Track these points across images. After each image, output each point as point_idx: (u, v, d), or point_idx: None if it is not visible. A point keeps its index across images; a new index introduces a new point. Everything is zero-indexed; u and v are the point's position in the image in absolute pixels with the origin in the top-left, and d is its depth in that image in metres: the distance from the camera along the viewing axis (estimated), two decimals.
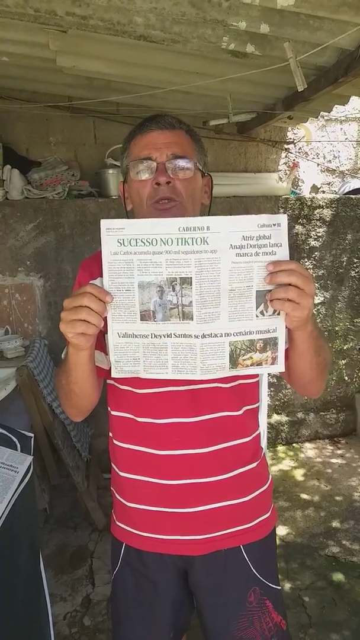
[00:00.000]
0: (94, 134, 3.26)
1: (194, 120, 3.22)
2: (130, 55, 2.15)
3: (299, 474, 3.27)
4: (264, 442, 2.66)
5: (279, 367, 0.94)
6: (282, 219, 0.87)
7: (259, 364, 0.93)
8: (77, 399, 1.08)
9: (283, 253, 0.87)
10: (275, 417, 3.63)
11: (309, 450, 3.60)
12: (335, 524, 2.76)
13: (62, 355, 1.08)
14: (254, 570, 1.17)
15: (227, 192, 3.21)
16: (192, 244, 0.86)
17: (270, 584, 1.19)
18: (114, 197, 3.07)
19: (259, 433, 1.24)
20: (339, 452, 3.57)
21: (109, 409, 1.22)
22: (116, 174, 3.07)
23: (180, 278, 0.88)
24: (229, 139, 3.42)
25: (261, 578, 1.17)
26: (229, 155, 3.48)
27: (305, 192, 3.65)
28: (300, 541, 2.62)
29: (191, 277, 0.88)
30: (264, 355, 0.92)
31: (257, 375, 1.20)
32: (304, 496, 3.02)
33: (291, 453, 3.57)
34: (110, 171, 3.06)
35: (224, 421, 1.13)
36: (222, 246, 0.87)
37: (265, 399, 2.78)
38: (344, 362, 3.68)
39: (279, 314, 0.90)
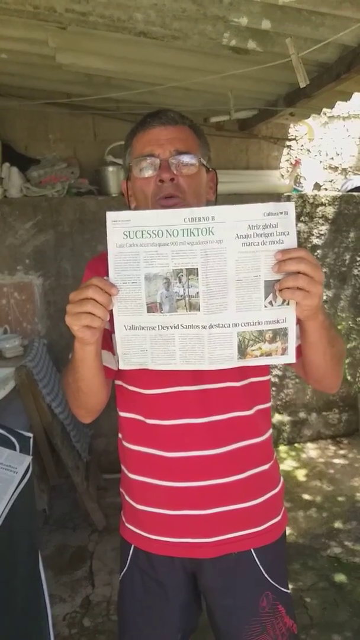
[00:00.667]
0: (93, 131, 3.24)
1: (194, 117, 3.15)
2: (130, 52, 2.13)
3: (301, 475, 3.26)
4: None
5: (290, 358, 0.93)
6: (289, 206, 0.85)
7: (269, 354, 0.92)
8: (85, 398, 1.07)
9: (291, 241, 0.86)
10: (277, 417, 3.61)
11: (311, 450, 3.60)
12: (338, 524, 2.75)
13: (70, 356, 1.07)
14: (265, 575, 1.15)
15: (228, 190, 3.18)
16: (198, 235, 0.86)
17: (282, 588, 1.18)
18: (113, 195, 3.05)
19: (270, 434, 1.23)
20: (341, 452, 3.56)
21: (117, 410, 1.21)
22: (116, 171, 3.05)
23: (186, 269, 0.87)
24: (230, 136, 3.40)
25: (273, 582, 1.16)
26: (230, 152, 3.46)
27: (308, 189, 3.63)
28: (302, 542, 2.61)
29: (197, 268, 0.87)
30: (273, 345, 0.91)
31: (268, 373, 1.20)
32: (306, 497, 3.01)
33: (293, 453, 3.56)
34: (110, 168, 3.05)
35: (235, 421, 1.12)
36: (228, 236, 0.86)
37: None
38: (346, 361, 3.66)
39: (288, 304, 0.89)
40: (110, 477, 3.18)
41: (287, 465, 3.39)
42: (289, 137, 3.59)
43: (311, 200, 3.40)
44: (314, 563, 2.45)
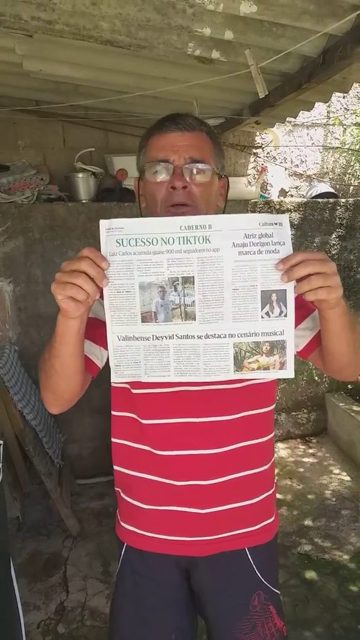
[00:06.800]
0: (62, 137, 3.25)
1: None
2: (97, 60, 2.15)
3: None
4: None
5: (288, 373, 0.91)
6: (284, 218, 0.86)
7: (266, 368, 0.90)
8: (57, 379, 1.01)
9: (286, 250, 0.86)
10: None
11: (282, 450, 3.65)
12: (308, 522, 2.80)
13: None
14: (258, 574, 1.16)
15: None
16: (195, 243, 0.86)
17: (273, 589, 1.19)
18: (83, 201, 3.07)
19: (272, 436, 1.23)
20: (310, 451, 3.63)
21: (112, 410, 1.20)
22: (86, 177, 3.06)
23: (182, 277, 0.87)
24: None
25: (265, 582, 1.17)
26: None
27: (274, 196, 3.71)
28: None
29: (193, 276, 0.86)
30: (271, 359, 0.90)
31: None
32: (277, 496, 2.99)
33: None
34: (80, 175, 3.06)
35: (236, 422, 1.12)
36: (225, 244, 0.86)
37: None
38: None
39: (286, 315, 0.88)
40: (84, 482, 3.17)
41: None
42: (255, 145, 3.67)
43: (277, 207, 3.47)
44: (285, 561, 2.49)
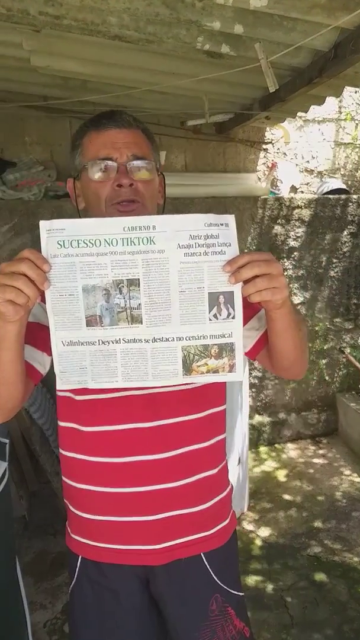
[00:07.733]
0: (70, 134, 3.22)
1: (172, 120, 3.22)
2: (105, 55, 2.13)
3: (281, 475, 3.28)
4: (245, 444, 2.67)
5: (237, 376, 0.90)
6: (230, 219, 0.85)
7: (215, 371, 0.89)
8: None
9: (233, 251, 0.85)
10: (257, 418, 3.63)
11: (291, 450, 3.62)
12: (317, 523, 2.78)
13: None
14: (215, 578, 1.14)
15: (206, 193, 3.20)
16: (138, 244, 0.84)
17: (232, 591, 1.17)
18: None
19: (224, 438, 1.21)
20: (320, 452, 3.59)
21: (59, 421, 1.16)
22: None
23: (127, 280, 0.85)
24: (207, 139, 3.42)
25: (222, 585, 1.15)
26: (208, 155, 3.48)
27: (284, 192, 3.66)
28: (282, 542, 2.63)
29: (139, 279, 0.85)
30: (220, 362, 0.89)
31: None
32: (287, 497, 3.03)
33: (273, 454, 3.58)
34: None
35: (183, 425, 1.10)
36: (170, 246, 0.84)
37: (246, 401, 2.78)
38: (324, 361, 3.70)
39: (234, 317, 0.87)
40: None
41: (267, 466, 3.41)
42: (265, 141, 3.63)
43: (287, 203, 3.43)
44: (294, 562, 2.47)
